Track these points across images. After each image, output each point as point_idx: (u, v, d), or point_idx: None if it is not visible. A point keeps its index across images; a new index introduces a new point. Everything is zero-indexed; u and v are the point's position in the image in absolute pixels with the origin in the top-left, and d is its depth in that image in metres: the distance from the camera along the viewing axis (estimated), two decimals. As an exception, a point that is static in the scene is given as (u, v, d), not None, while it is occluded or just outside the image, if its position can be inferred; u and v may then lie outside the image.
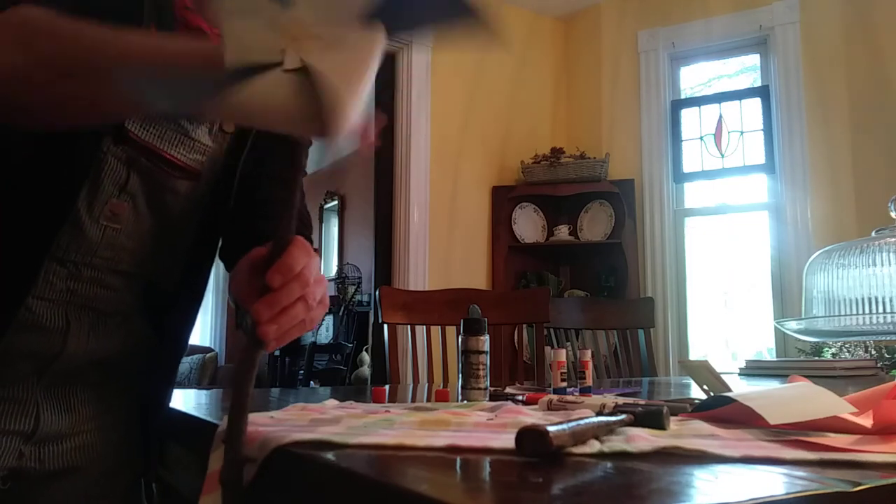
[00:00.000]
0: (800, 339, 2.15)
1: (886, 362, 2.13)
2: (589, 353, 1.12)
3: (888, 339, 1.79)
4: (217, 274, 6.10)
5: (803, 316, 1.76)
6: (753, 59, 3.54)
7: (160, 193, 0.85)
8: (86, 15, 0.62)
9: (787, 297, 3.17)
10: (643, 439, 0.54)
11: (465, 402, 0.92)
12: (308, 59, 0.49)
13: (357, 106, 0.52)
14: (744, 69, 3.63)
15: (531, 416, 0.71)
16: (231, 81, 0.48)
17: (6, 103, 0.62)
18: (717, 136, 3.49)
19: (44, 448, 0.83)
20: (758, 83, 3.48)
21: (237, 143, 0.90)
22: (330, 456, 0.52)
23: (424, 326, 1.95)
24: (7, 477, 0.79)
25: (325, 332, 6.06)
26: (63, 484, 0.85)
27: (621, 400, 0.77)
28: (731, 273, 3.56)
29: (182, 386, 6.62)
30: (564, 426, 0.51)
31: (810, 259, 1.80)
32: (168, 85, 0.53)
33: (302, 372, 5.40)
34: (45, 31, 0.61)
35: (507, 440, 0.52)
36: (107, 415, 0.90)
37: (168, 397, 0.96)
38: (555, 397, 0.80)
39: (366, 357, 4.87)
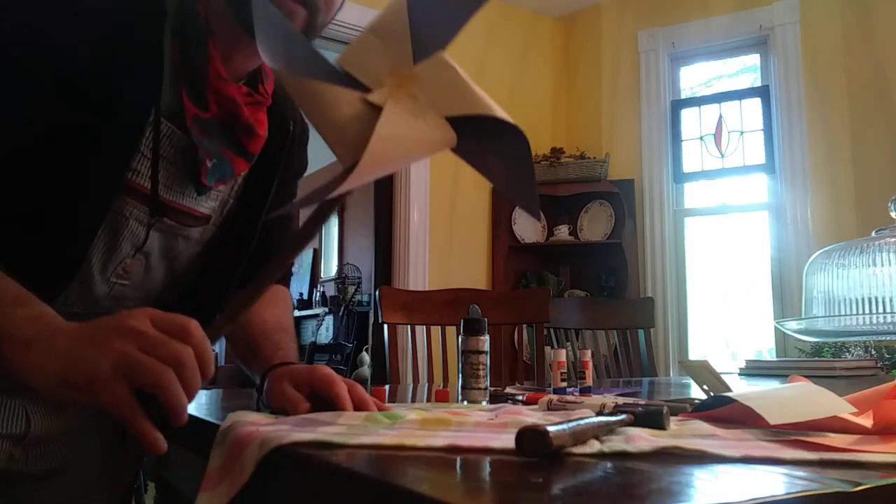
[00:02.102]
0: (800, 339, 2.15)
1: (886, 362, 2.13)
2: (589, 353, 1.11)
3: (888, 339, 1.79)
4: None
5: (803, 316, 1.76)
6: (753, 59, 3.54)
7: (174, 243, 0.86)
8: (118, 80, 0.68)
9: (787, 297, 3.17)
10: (643, 439, 0.54)
11: (465, 402, 0.92)
12: (386, 106, 0.53)
13: (372, 175, 0.54)
14: (744, 69, 3.63)
15: (531, 416, 0.71)
16: None
17: None
18: (717, 136, 3.49)
19: (34, 449, 0.82)
20: (758, 83, 3.48)
21: (248, 185, 0.91)
22: (330, 456, 0.52)
23: (424, 326, 1.95)
24: None
25: (325, 332, 6.06)
26: (53, 483, 0.84)
27: (621, 400, 0.77)
28: (731, 273, 3.56)
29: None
30: (564, 426, 0.51)
31: (810, 259, 1.80)
32: None
33: (302, 372, 5.39)
34: None
35: (507, 440, 0.52)
36: (102, 414, 0.86)
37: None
38: (555, 397, 0.80)
39: (366, 357, 4.86)
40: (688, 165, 3.55)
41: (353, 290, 5.82)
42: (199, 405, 0.97)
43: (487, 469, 0.49)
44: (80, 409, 0.85)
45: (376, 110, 0.53)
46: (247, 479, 0.56)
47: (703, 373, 0.91)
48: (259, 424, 0.63)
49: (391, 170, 0.58)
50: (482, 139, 0.57)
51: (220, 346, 7.87)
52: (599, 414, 0.64)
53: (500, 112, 0.56)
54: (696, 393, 1.08)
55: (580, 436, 0.52)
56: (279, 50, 0.56)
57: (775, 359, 2.89)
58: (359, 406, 0.73)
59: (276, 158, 0.92)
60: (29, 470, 0.81)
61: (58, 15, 0.70)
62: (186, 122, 0.77)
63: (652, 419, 0.62)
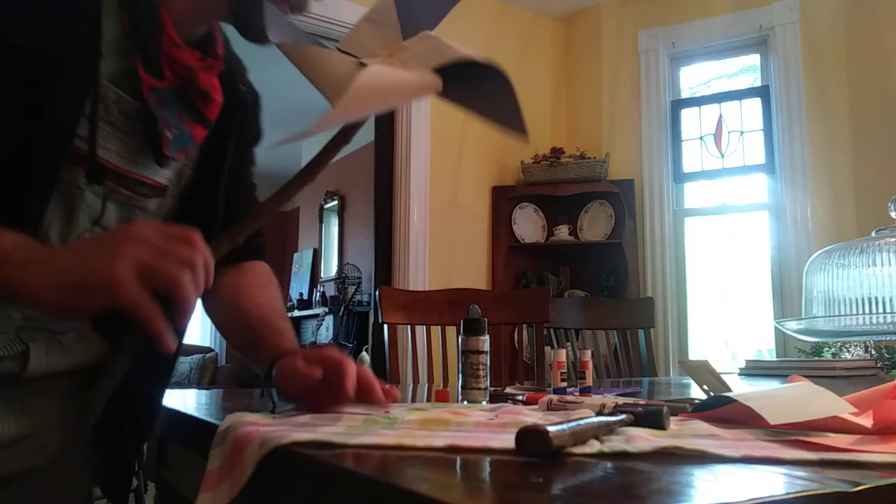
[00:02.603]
0: (800, 339, 2.15)
1: (886, 362, 2.13)
2: (589, 353, 1.11)
3: (888, 339, 1.79)
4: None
5: (803, 316, 1.76)
6: (753, 59, 3.54)
7: (131, 216, 0.83)
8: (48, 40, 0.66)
9: (787, 297, 3.17)
10: (643, 439, 0.54)
11: (465, 402, 0.92)
12: (376, 60, 0.61)
13: (360, 107, 0.61)
14: (744, 69, 3.63)
15: (531, 416, 0.71)
16: None
17: None
18: (717, 136, 3.49)
19: (4, 452, 0.78)
20: (758, 83, 3.48)
21: (203, 153, 0.89)
22: (330, 456, 0.52)
23: (424, 326, 1.95)
24: None
25: (325, 332, 6.06)
26: (27, 485, 0.80)
27: (621, 400, 0.77)
28: (731, 273, 3.56)
29: (182, 386, 6.61)
30: (564, 426, 0.51)
31: (810, 259, 1.80)
32: None
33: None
34: None
35: (507, 440, 0.52)
36: (70, 415, 0.85)
37: (158, 399, 0.92)
38: (555, 397, 0.80)
39: (366, 357, 4.86)
40: (688, 165, 3.55)
41: (353, 290, 5.83)
42: (199, 405, 0.97)
43: (487, 469, 0.49)
44: (45, 406, 0.82)
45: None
46: (247, 480, 0.56)
47: (703, 373, 0.91)
48: (259, 424, 0.63)
49: (378, 106, 0.64)
50: (468, 84, 0.64)
51: (219, 348, 7.86)
52: (599, 414, 0.64)
53: (480, 57, 0.63)
54: (696, 393, 1.08)
55: (580, 436, 0.52)
56: (284, 30, 0.62)
57: (775, 359, 2.89)
58: (364, 387, 0.75)
59: (230, 124, 0.91)
60: (1, 473, 0.78)
61: None
62: (143, 93, 0.76)
63: (652, 419, 0.62)
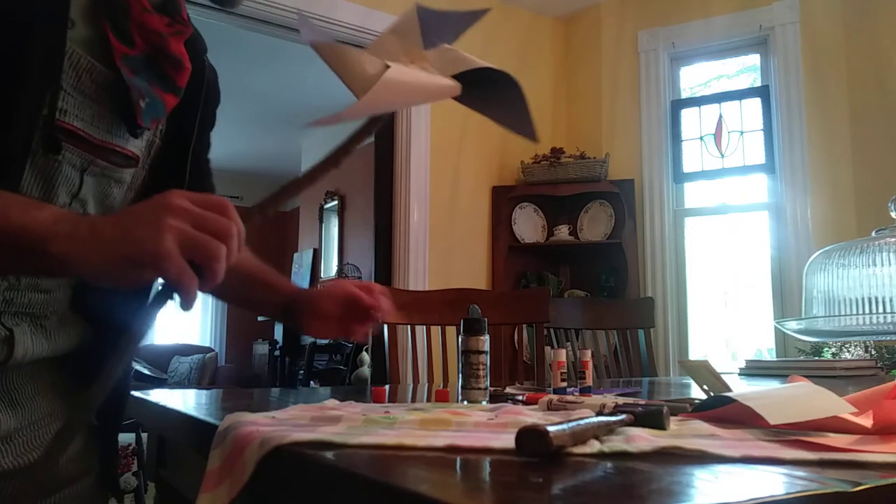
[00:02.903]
0: (800, 339, 2.15)
1: (886, 362, 2.13)
2: (589, 353, 1.11)
3: (888, 339, 1.79)
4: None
5: (803, 316, 1.76)
6: (753, 59, 3.54)
7: (108, 190, 0.83)
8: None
9: (787, 297, 3.17)
10: (643, 439, 0.54)
11: (465, 402, 0.92)
12: (395, 66, 0.66)
13: (374, 107, 0.67)
14: (744, 69, 3.63)
15: (531, 416, 0.71)
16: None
17: None
18: (717, 136, 3.49)
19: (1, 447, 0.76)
20: (758, 83, 3.48)
21: (171, 122, 0.89)
22: (330, 456, 0.52)
23: (424, 326, 1.95)
24: None
25: (325, 332, 6.05)
26: (17, 482, 0.78)
27: (621, 400, 0.77)
28: (731, 273, 3.56)
29: (182, 386, 6.62)
30: (564, 426, 0.51)
31: (810, 259, 1.80)
32: None
33: (302, 372, 5.41)
34: None
35: (507, 440, 0.52)
36: (60, 404, 0.85)
37: (126, 383, 0.92)
38: (555, 397, 0.80)
39: (366, 357, 4.86)
40: (688, 165, 3.55)
41: (352, 290, 5.81)
42: (199, 405, 0.97)
43: (487, 469, 0.49)
44: (33, 399, 0.81)
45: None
46: (247, 480, 0.56)
47: (703, 373, 0.91)
48: (259, 424, 0.63)
49: (402, 102, 0.71)
50: (483, 90, 0.70)
51: (219, 348, 7.84)
52: (599, 414, 0.64)
53: (496, 67, 0.69)
54: (696, 393, 1.08)
55: (580, 436, 0.52)
56: (316, 33, 0.69)
57: (775, 359, 2.89)
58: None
59: (196, 93, 0.90)
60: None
61: None
62: (116, 61, 0.75)
63: (652, 419, 0.62)
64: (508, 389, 1.12)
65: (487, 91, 0.70)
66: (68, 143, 0.75)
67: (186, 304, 0.59)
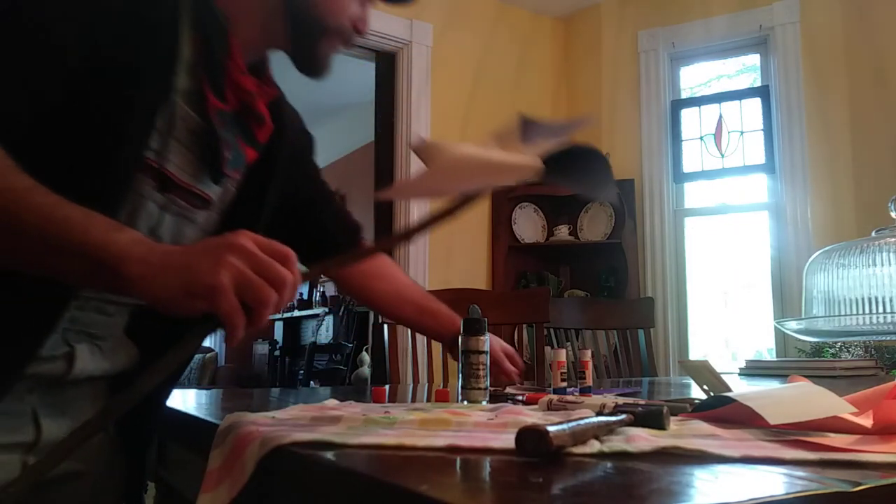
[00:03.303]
0: (800, 339, 2.15)
1: (886, 362, 2.13)
2: (589, 353, 1.12)
3: (888, 339, 1.79)
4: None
5: (803, 316, 1.76)
6: (753, 59, 3.54)
7: (183, 229, 0.88)
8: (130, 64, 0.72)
9: (787, 297, 3.17)
10: (643, 439, 0.54)
11: (465, 402, 0.92)
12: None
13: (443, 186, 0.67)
14: (744, 69, 3.63)
15: (531, 416, 0.71)
16: None
17: None
18: (717, 136, 3.49)
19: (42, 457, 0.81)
20: (758, 83, 3.48)
21: (246, 174, 0.95)
22: (330, 456, 0.52)
23: (424, 326, 1.94)
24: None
25: (325, 332, 6.06)
26: (68, 489, 0.83)
27: (621, 400, 0.77)
28: (731, 273, 3.56)
29: (182, 386, 6.62)
30: (564, 426, 0.51)
31: (810, 259, 1.80)
32: None
33: (302, 372, 5.41)
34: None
35: (507, 440, 0.52)
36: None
37: (166, 398, 0.96)
38: (555, 397, 0.80)
39: (366, 357, 4.86)
40: (688, 165, 3.55)
41: (352, 290, 5.81)
42: (199, 405, 0.97)
43: (487, 469, 0.49)
44: (81, 409, 0.85)
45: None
46: (247, 480, 0.56)
47: (703, 373, 0.91)
48: (259, 424, 0.63)
49: (483, 182, 0.67)
50: (566, 166, 0.69)
51: (219, 348, 7.84)
52: (599, 414, 0.64)
53: (578, 141, 0.69)
54: (696, 393, 1.08)
55: (580, 436, 0.52)
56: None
57: (775, 359, 2.89)
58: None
59: (273, 148, 0.95)
60: (44, 478, 0.80)
61: None
62: (209, 114, 0.81)
63: (652, 419, 0.62)
64: (508, 389, 1.13)
65: (567, 163, 0.70)
66: (153, 181, 0.80)
67: (230, 340, 0.61)
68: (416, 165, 3.40)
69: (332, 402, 0.85)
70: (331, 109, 5.77)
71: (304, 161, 1.11)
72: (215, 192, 0.89)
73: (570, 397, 0.81)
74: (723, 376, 0.91)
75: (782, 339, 3.11)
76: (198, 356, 7.05)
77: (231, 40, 0.83)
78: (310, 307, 6.46)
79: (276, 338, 6.82)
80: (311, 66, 0.90)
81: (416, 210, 3.38)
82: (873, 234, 1.69)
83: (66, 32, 0.71)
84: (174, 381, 0.98)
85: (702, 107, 3.56)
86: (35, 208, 0.62)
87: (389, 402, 0.94)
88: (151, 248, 0.62)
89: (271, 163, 0.97)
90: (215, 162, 0.83)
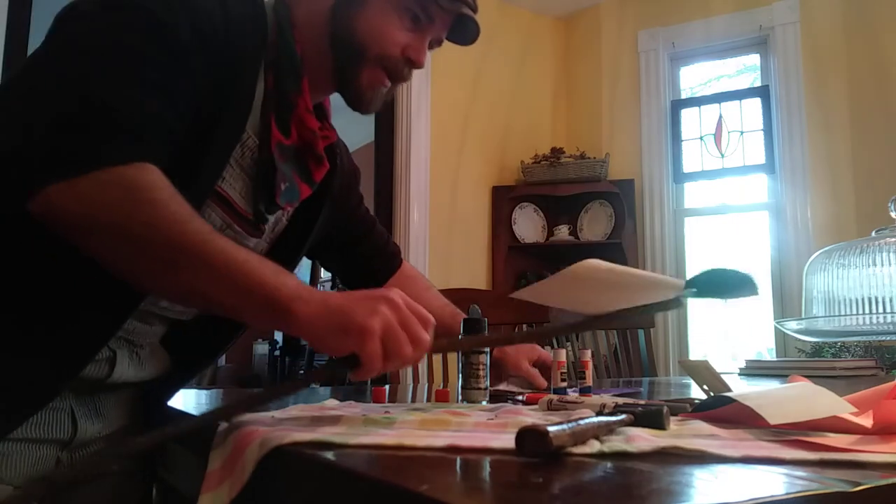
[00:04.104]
0: (800, 339, 2.15)
1: (886, 362, 2.13)
2: (589, 353, 1.11)
3: (888, 339, 1.79)
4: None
5: (803, 316, 1.76)
6: (753, 59, 3.54)
7: None
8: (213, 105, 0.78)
9: (787, 297, 3.17)
10: (643, 439, 0.54)
11: (465, 402, 0.92)
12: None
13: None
14: (744, 69, 3.63)
15: (531, 416, 0.71)
16: None
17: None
18: (717, 136, 3.49)
19: (79, 453, 0.84)
20: (758, 83, 3.48)
21: (298, 209, 1.00)
22: (330, 456, 0.52)
23: (424, 326, 1.94)
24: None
25: (325, 332, 6.05)
26: (95, 487, 0.87)
27: (621, 400, 0.77)
28: (731, 273, 3.55)
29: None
30: (564, 426, 0.51)
31: (810, 259, 1.80)
32: None
33: (302, 372, 5.40)
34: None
35: (507, 440, 0.52)
36: (132, 416, 0.94)
37: (169, 396, 1.00)
38: (555, 397, 0.80)
39: (366, 357, 4.86)
40: (688, 165, 3.55)
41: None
42: (199, 405, 0.97)
43: (487, 469, 0.49)
44: (114, 411, 0.90)
45: None
46: (247, 479, 0.56)
47: (703, 373, 0.91)
48: (259, 424, 0.63)
49: (627, 300, 0.76)
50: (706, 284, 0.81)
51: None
52: (599, 414, 0.64)
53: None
54: (696, 393, 1.08)
55: (580, 436, 0.52)
56: None
57: (775, 359, 2.89)
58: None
59: (325, 188, 1.00)
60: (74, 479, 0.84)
61: (214, 29, 0.78)
62: (270, 146, 0.85)
63: (652, 419, 0.62)
64: (509, 386, 1.12)
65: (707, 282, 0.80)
66: (219, 207, 0.85)
67: (359, 376, 0.66)
68: (416, 166, 3.40)
69: (332, 402, 0.85)
70: (333, 110, 5.77)
71: (351, 195, 1.16)
72: (267, 221, 0.93)
73: (570, 397, 0.81)
74: (723, 376, 0.91)
75: (782, 339, 3.11)
76: (198, 356, 7.03)
77: (304, 80, 0.87)
78: (310, 307, 6.45)
79: (276, 338, 6.81)
80: (357, 99, 0.93)
81: (416, 210, 3.38)
82: (873, 234, 1.69)
83: (198, 61, 0.76)
84: (182, 384, 1.02)
85: (702, 107, 3.56)
86: (220, 251, 0.68)
87: (389, 402, 0.94)
88: (312, 291, 0.68)
89: (321, 202, 1.01)
90: (271, 192, 0.87)
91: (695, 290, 0.72)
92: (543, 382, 1.11)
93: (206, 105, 0.78)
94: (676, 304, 0.77)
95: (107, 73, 0.70)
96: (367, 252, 1.22)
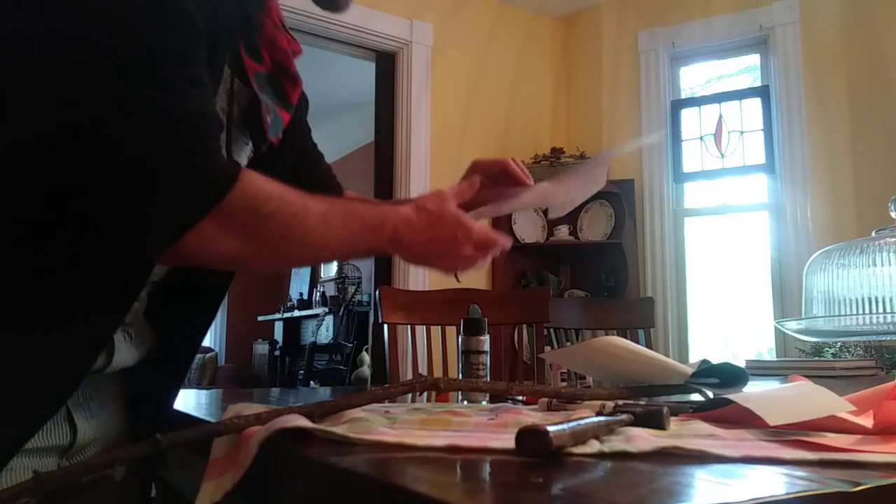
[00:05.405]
0: (800, 339, 2.15)
1: (886, 362, 2.13)
2: (589, 353, 1.11)
3: (888, 339, 1.79)
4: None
5: (803, 316, 1.76)
6: (753, 59, 3.54)
7: None
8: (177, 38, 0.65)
9: (787, 297, 3.17)
10: (643, 439, 0.54)
11: (465, 402, 0.92)
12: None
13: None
14: (744, 69, 3.63)
15: (531, 416, 0.71)
16: None
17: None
18: (717, 136, 3.49)
19: (78, 458, 0.79)
20: (758, 83, 3.48)
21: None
22: (330, 456, 0.52)
23: (424, 326, 1.95)
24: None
25: (325, 332, 6.06)
26: (95, 492, 0.82)
27: (621, 400, 0.77)
28: (731, 273, 3.56)
29: (182, 386, 6.61)
30: (564, 426, 0.51)
31: (810, 259, 1.80)
32: None
33: (302, 372, 5.40)
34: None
35: (507, 440, 0.52)
36: (123, 414, 0.87)
37: (173, 397, 0.94)
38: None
39: (366, 357, 4.86)
40: (688, 165, 3.55)
41: (353, 291, 5.83)
42: (198, 405, 0.97)
43: (487, 469, 0.49)
44: (104, 411, 0.83)
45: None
46: (248, 474, 0.56)
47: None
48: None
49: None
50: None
51: (219, 348, 7.82)
52: (599, 414, 0.64)
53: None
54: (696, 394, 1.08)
55: (580, 436, 0.52)
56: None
57: (775, 359, 2.89)
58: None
59: (297, 112, 0.92)
60: (70, 484, 0.79)
61: None
62: (249, 78, 0.77)
63: (652, 419, 0.62)
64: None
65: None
66: None
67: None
68: (416, 166, 3.40)
69: (333, 402, 0.85)
70: (331, 109, 5.77)
71: (304, 114, 1.04)
72: (244, 161, 0.85)
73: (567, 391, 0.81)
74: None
75: (782, 339, 3.11)
76: (198, 356, 7.05)
77: None
78: (310, 307, 6.46)
79: (276, 338, 6.82)
80: (331, 2, 0.85)
81: (416, 210, 3.38)
82: (873, 234, 1.69)
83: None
84: (180, 383, 0.94)
85: (702, 107, 3.56)
86: (351, 205, 0.73)
87: (389, 402, 0.94)
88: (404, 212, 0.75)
89: (291, 124, 0.92)
90: (258, 129, 0.80)
91: (699, 378, 0.79)
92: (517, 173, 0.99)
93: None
94: (682, 389, 0.84)
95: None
96: (321, 177, 1.09)
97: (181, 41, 0.64)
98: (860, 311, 1.59)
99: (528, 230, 3.67)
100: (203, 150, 0.63)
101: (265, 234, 0.67)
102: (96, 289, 0.70)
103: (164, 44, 0.63)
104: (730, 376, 0.84)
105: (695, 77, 3.73)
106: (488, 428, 0.62)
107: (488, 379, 0.94)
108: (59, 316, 0.68)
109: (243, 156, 0.85)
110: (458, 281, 0.87)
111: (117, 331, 0.79)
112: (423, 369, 2.02)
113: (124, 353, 0.80)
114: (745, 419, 0.62)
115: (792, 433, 0.58)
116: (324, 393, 1.18)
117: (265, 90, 0.79)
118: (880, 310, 1.57)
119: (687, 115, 3.58)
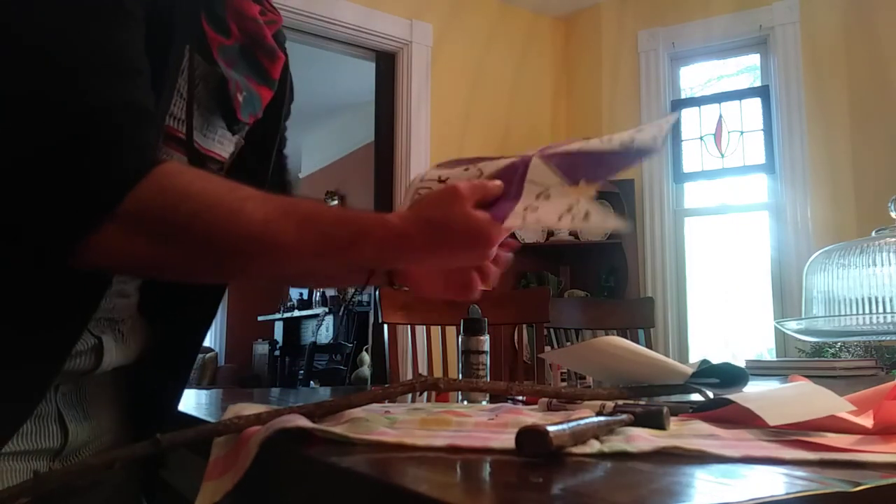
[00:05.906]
0: (800, 339, 2.15)
1: (886, 362, 2.13)
2: (589, 353, 1.11)
3: (888, 339, 1.79)
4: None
5: (803, 316, 1.76)
6: (753, 59, 3.54)
7: None
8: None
9: (787, 297, 3.17)
10: (643, 439, 0.54)
11: (465, 402, 0.92)
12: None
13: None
14: (744, 69, 3.63)
15: (531, 416, 0.71)
16: None
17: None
18: (717, 136, 3.49)
19: (70, 460, 0.76)
20: (758, 83, 3.48)
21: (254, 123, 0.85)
22: (330, 455, 0.52)
23: (424, 326, 1.95)
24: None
25: (325, 332, 6.06)
26: (89, 495, 0.79)
27: (621, 400, 0.77)
28: (731, 273, 3.56)
29: (185, 388, 6.61)
30: (564, 426, 0.51)
31: (810, 259, 1.80)
32: None
33: (302, 372, 5.40)
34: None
35: (507, 440, 0.52)
36: (122, 417, 0.85)
37: (177, 399, 0.92)
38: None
39: (366, 357, 4.86)
40: (688, 165, 3.55)
41: (352, 290, 5.82)
42: (198, 405, 0.97)
43: (487, 469, 0.49)
44: (100, 412, 0.81)
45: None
46: (249, 472, 0.56)
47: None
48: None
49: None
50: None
51: (219, 347, 7.82)
52: (599, 414, 0.64)
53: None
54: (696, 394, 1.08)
55: (580, 436, 0.52)
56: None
57: (775, 359, 2.89)
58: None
59: (281, 86, 0.84)
60: (69, 484, 0.78)
61: None
62: (213, 54, 0.71)
63: (652, 419, 0.62)
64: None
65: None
66: (173, 150, 0.71)
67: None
68: (416, 166, 3.40)
69: (333, 402, 0.85)
70: (330, 109, 5.77)
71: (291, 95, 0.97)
72: (228, 149, 0.80)
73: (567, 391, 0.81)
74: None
75: (782, 339, 3.11)
76: (199, 356, 7.03)
77: None
78: (310, 307, 6.46)
79: (276, 338, 6.81)
80: None
81: (416, 210, 3.38)
82: (873, 234, 1.69)
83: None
84: (183, 384, 0.92)
85: (702, 107, 3.56)
86: (324, 210, 0.68)
87: (389, 402, 0.94)
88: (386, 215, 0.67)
89: (279, 101, 0.85)
90: (228, 108, 0.73)
91: (699, 378, 0.78)
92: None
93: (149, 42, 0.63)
94: (682, 389, 0.83)
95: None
96: (283, 173, 0.98)
97: (104, 27, 0.59)
98: (860, 311, 1.59)
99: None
100: (111, 145, 0.57)
101: (188, 237, 0.59)
102: (53, 289, 0.64)
103: (79, 27, 0.58)
104: (730, 376, 0.84)
105: (695, 77, 3.73)
106: (488, 428, 0.62)
107: (488, 379, 0.94)
108: (16, 317, 0.63)
109: (226, 143, 0.80)
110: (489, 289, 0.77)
111: (107, 332, 0.76)
112: (423, 369, 2.02)
113: (116, 352, 0.77)
114: (745, 419, 0.62)
115: (792, 433, 0.58)
116: (324, 393, 1.18)
117: (238, 66, 0.74)
118: (880, 310, 1.57)
119: (687, 115, 3.58)
